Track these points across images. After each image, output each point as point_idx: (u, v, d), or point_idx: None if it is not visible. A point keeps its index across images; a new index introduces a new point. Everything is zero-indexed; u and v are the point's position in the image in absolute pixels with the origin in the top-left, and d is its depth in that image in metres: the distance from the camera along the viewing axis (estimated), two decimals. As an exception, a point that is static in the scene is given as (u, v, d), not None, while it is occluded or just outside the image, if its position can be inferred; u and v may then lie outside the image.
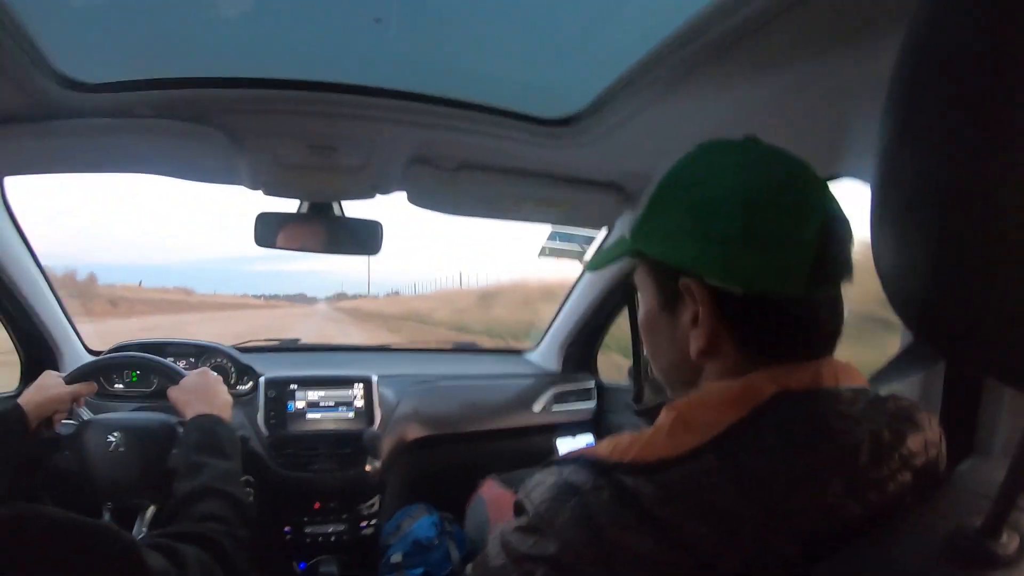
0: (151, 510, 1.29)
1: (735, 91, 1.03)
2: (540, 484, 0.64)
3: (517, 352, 2.56)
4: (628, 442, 0.61)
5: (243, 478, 1.14)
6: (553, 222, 1.88)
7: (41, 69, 1.06)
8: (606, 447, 0.62)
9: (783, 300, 0.62)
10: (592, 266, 0.94)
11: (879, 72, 0.42)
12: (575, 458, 0.64)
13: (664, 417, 0.63)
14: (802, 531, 0.53)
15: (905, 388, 0.97)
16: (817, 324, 0.65)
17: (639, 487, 0.55)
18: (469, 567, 0.70)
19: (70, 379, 1.35)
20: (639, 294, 0.77)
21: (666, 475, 0.56)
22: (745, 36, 0.87)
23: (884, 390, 0.67)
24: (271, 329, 19.46)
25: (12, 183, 1.58)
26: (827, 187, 0.65)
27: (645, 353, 0.81)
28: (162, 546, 0.70)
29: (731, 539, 0.52)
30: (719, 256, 0.62)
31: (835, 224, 0.63)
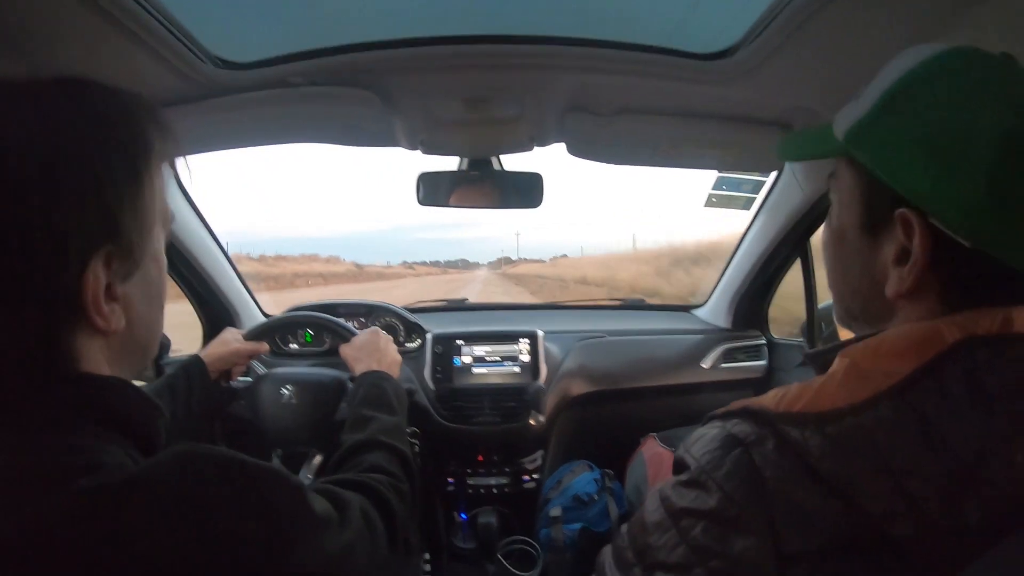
0: (317, 458, 1.36)
1: (896, 11, 0.94)
2: (701, 437, 0.61)
3: (685, 308, 2.48)
4: (797, 391, 0.57)
5: (409, 430, 1.16)
6: (719, 167, 1.76)
7: (196, 54, 1.12)
8: (772, 397, 0.58)
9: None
10: (786, 153, 0.77)
11: None
12: (739, 410, 0.60)
13: (837, 364, 0.58)
14: (986, 497, 0.48)
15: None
16: None
17: (806, 439, 0.52)
18: (625, 526, 0.67)
19: (248, 336, 1.48)
20: (833, 202, 0.68)
21: (837, 426, 0.52)
22: None
23: None
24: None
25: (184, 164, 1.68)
26: None
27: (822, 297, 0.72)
28: (327, 491, 0.71)
29: (906, 499, 0.48)
30: (960, 199, 0.53)
31: None
